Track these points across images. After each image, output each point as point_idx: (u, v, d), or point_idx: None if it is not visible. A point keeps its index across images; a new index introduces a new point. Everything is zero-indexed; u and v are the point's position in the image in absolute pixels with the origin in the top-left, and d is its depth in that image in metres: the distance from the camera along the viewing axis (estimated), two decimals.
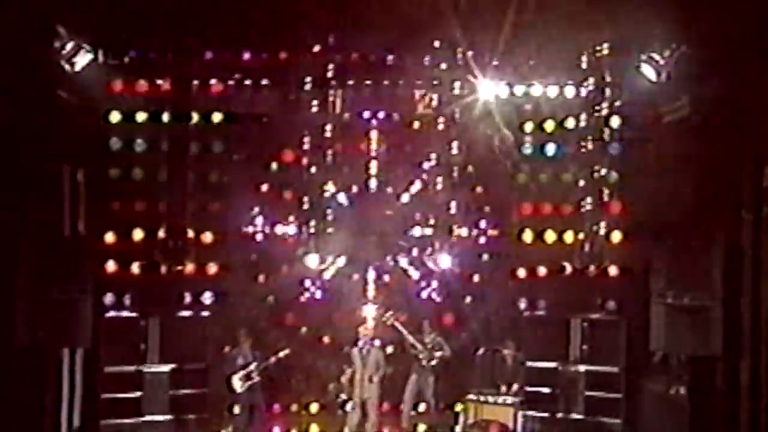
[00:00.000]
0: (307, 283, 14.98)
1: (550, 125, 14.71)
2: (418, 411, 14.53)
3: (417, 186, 15.11)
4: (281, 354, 13.39)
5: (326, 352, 14.84)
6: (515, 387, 13.47)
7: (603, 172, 14.14)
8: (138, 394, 13.49)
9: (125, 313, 13.79)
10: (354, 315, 14.58)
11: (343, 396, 13.34)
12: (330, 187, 14.90)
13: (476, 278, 15.24)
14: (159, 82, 14.04)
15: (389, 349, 14.36)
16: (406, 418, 14.01)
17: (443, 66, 14.27)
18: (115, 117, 14.20)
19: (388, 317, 13.91)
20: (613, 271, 14.20)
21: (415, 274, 15.06)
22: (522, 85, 14.33)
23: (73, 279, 11.96)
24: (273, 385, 14.06)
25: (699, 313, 12.02)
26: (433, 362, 13.95)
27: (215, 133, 14.59)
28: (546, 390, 14.03)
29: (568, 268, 14.48)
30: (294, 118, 14.48)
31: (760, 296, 11.74)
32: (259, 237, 14.87)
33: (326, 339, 15.00)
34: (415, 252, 15.00)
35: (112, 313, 13.67)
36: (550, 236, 14.64)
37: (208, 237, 14.39)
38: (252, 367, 13.28)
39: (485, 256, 15.18)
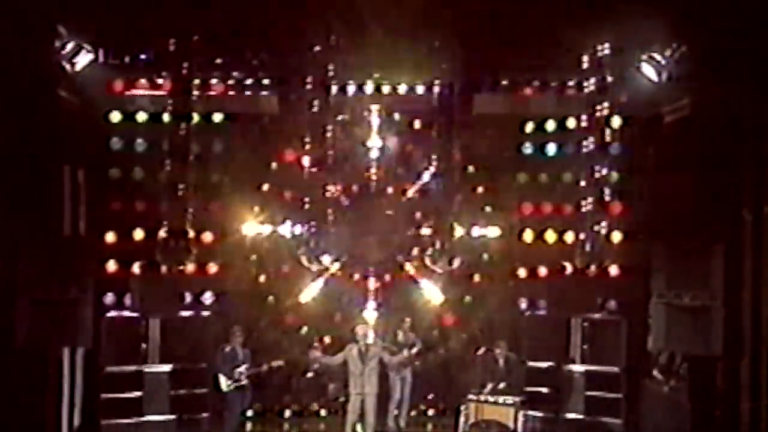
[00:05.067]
0: (307, 282, 14.94)
1: (550, 125, 14.74)
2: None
3: (417, 186, 15.08)
4: (274, 364, 13.34)
5: (326, 352, 14.80)
6: (502, 386, 13.45)
7: (603, 172, 14.12)
8: (138, 394, 13.49)
9: (125, 313, 13.80)
10: (354, 314, 14.56)
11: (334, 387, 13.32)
12: (330, 187, 14.86)
13: (476, 278, 15.23)
14: (159, 82, 14.02)
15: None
16: (392, 417, 13.99)
17: (443, 66, 14.25)
18: (115, 117, 14.21)
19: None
20: (613, 271, 14.23)
21: (415, 274, 15.02)
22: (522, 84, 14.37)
23: (73, 279, 11.96)
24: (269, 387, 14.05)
25: (699, 313, 12.03)
26: (410, 360, 13.90)
27: (215, 133, 14.60)
28: (546, 390, 14.03)
29: (569, 268, 14.48)
30: (294, 118, 14.47)
31: (760, 296, 11.75)
32: (259, 237, 14.85)
33: (326, 339, 14.99)
34: (415, 252, 14.97)
35: (112, 313, 13.68)
36: (551, 236, 14.66)
37: (208, 237, 14.40)
38: (242, 369, 13.25)
39: (485, 256, 15.17)
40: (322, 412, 14.98)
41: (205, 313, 14.30)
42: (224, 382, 13.33)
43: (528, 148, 14.93)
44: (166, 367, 13.70)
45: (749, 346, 11.91)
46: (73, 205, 13.31)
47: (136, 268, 14.08)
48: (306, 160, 14.58)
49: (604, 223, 14.08)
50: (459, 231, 14.67)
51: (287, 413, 15.00)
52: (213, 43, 13.64)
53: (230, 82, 14.29)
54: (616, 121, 14.06)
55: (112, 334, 13.42)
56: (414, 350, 13.96)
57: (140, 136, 14.32)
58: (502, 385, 13.44)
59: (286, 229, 14.63)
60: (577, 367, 14.10)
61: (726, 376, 12.27)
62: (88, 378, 13.42)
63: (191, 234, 14.11)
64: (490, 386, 13.50)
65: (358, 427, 12.96)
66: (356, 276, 14.89)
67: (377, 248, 14.92)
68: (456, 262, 14.54)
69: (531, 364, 14.17)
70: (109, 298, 13.82)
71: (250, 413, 14.48)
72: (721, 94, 11.92)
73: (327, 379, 14.96)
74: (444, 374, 15.13)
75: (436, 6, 12.73)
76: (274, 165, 15.01)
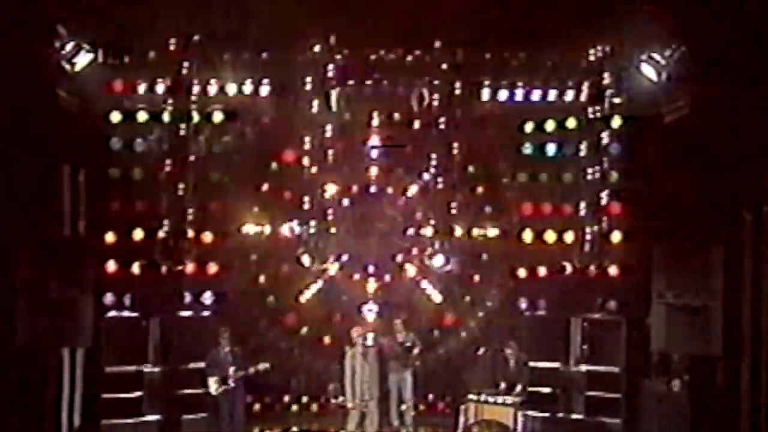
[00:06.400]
0: (307, 283, 14.93)
1: (550, 125, 14.74)
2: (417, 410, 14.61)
3: (417, 186, 15.08)
4: (260, 367, 13.36)
5: (326, 352, 14.84)
6: (518, 388, 13.49)
7: (603, 172, 14.13)
8: (138, 394, 13.49)
9: (125, 313, 13.80)
10: (354, 315, 14.57)
11: (342, 399, 13.34)
12: (330, 187, 14.86)
13: (476, 278, 15.22)
14: (159, 81, 14.01)
15: None
16: (395, 417, 14.00)
17: (444, 66, 14.24)
18: (115, 117, 14.21)
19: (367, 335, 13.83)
20: (613, 271, 14.22)
21: (415, 274, 15.02)
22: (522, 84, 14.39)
23: (73, 279, 11.96)
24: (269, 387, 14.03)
25: (699, 313, 12.03)
26: (411, 360, 13.95)
27: (215, 133, 14.60)
28: (546, 390, 14.03)
29: (568, 268, 14.48)
30: (294, 118, 14.46)
31: (760, 296, 11.75)
32: (259, 237, 14.85)
33: (326, 339, 15.00)
34: (415, 252, 14.97)
35: (112, 313, 13.68)
36: (550, 236, 14.65)
37: (208, 237, 14.39)
38: (230, 371, 13.26)
39: (485, 256, 15.17)
40: (322, 412, 14.95)
41: (205, 313, 14.29)
42: (213, 386, 13.33)
43: (528, 148, 14.92)
44: (166, 367, 13.69)
45: (749, 346, 11.92)
46: (73, 205, 13.31)
47: (136, 268, 14.08)
48: (306, 160, 14.59)
49: (604, 223, 14.10)
50: (459, 231, 14.68)
51: (287, 413, 14.98)
52: (213, 43, 13.67)
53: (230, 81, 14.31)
54: (616, 121, 14.07)
55: (112, 334, 13.40)
56: (416, 351, 13.99)
57: (140, 136, 14.31)
58: (518, 387, 13.46)
59: (286, 229, 14.63)
60: (577, 367, 14.09)
61: (726, 376, 12.28)
62: (88, 378, 13.41)
63: (191, 234, 14.14)
64: (503, 387, 13.53)
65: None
66: (356, 276, 14.89)
67: (377, 248, 14.93)
68: (455, 262, 14.55)
69: (531, 364, 14.14)
70: (109, 298, 13.81)
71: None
72: (721, 94, 11.94)
73: (327, 379, 14.93)
74: (444, 374, 15.12)
75: (437, 6, 12.74)
76: (274, 165, 15.00)
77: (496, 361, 13.95)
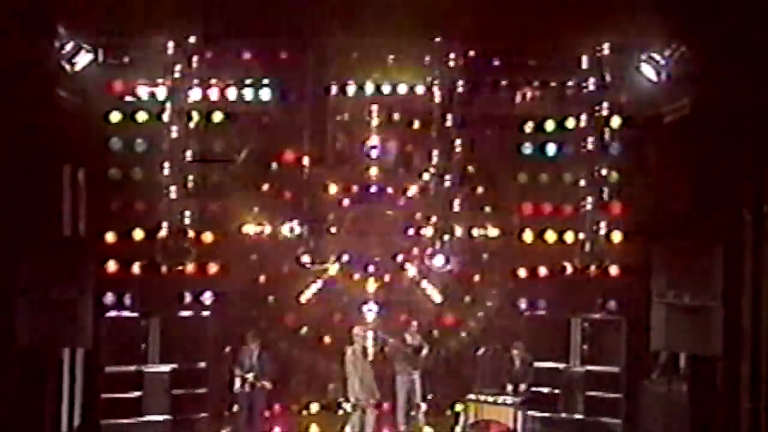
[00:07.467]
0: (307, 282, 14.92)
1: (550, 125, 14.74)
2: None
3: (417, 186, 15.07)
4: (259, 384, 13.39)
5: (326, 352, 14.83)
6: (523, 388, 13.49)
7: (603, 172, 14.12)
8: (138, 394, 13.49)
9: (125, 313, 13.80)
10: (354, 315, 14.56)
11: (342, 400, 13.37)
12: (330, 187, 14.86)
13: (476, 278, 15.22)
14: (161, 81, 14.01)
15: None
16: (402, 420, 13.99)
17: (444, 66, 14.23)
18: (115, 117, 14.22)
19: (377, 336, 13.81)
20: (613, 271, 14.24)
21: (415, 274, 15.02)
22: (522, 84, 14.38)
23: (73, 279, 11.97)
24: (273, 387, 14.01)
25: (699, 313, 12.04)
26: (420, 362, 13.95)
27: (215, 133, 14.60)
28: (546, 390, 14.03)
29: (569, 268, 14.48)
30: (294, 118, 14.45)
31: (760, 296, 11.76)
32: (259, 237, 14.84)
33: (326, 339, 14.99)
34: (415, 252, 14.97)
35: (112, 313, 13.68)
36: (551, 236, 14.67)
37: (208, 237, 14.40)
38: (249, 376, 13.29)
39: (485, 256, 15.17)
40: (322, 412, 14.95)
41: (205, 313, 14.30)
42: (237, 383, 13.36)
43: (528, 148, 14.94)
44: (166, 367, 13.69)
45: (749, 346, 11.92)
46: (73, 205, 13.32)
47: (136, 268, 14.09)
48: (306, 160, 14.58)
49: (604, 223, 14.10)
50: (459, 231, 14.67)
51: (287, 413, 14.97)
52: (213, 43, 13.66)
53: (230, 82, 14.30)
54: (616, 121, 14.07)
55: (112, 334, 13.41)
56: (424, 352, 13.98)
57: (140, 136, 14.31)
58: (522, 388, 13.47)
59: (286, 229, 14.62)
60: (577, 367, 14.09)
61: (726, 376, 12.28)
62: (88, 378, 13.42)
63: (191, 234, 14.13)
64: (510, 387, 13.54)
65: None
66: (356, 276, 14.89)
67: (377, 248, 14.93)
68: (455, 262, 14.54)
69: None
70: (109, 298, 13.82)
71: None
72: (721, 94, 11.94)
73: (327, 379, 14.94)
74: (445, 374, 15.11)
75: (437, 5, 12.73)
76: (274, 165, 15.00)
77: (503, 361, 13.94)
